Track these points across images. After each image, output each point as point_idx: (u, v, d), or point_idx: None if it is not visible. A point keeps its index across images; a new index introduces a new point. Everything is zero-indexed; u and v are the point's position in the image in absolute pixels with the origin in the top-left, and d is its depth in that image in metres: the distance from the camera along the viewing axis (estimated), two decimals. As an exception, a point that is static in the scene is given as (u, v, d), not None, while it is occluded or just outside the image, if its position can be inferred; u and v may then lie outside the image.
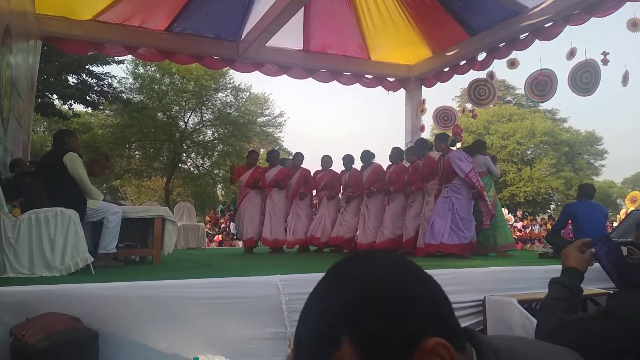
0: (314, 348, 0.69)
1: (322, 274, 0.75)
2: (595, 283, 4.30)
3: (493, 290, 4.14)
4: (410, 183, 7.32)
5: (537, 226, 15.85)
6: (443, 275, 4.05)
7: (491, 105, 9.39)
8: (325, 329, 0.68)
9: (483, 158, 7.25)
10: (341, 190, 8.31)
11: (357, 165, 8.24)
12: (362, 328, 0.66)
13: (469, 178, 6.38)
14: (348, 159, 8.22)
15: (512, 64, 7.86)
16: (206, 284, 3.32)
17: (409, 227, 7.26)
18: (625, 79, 6.55)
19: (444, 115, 9.65)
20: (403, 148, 9.68)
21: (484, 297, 4.00)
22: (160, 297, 3.13)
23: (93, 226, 4.87)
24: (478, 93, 8.73)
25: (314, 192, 8.54)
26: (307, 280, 3.54)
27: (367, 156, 8.10)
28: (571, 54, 6.89)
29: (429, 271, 0.74)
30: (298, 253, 8.04)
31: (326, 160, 8.44)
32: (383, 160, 8.27)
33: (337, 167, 8.43)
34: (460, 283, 4.06)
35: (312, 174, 8.40)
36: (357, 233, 8.02)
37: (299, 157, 8.54)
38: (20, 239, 3.90)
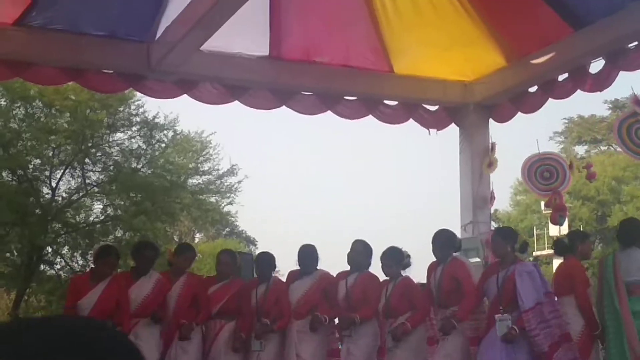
0: None
1: None
2: None
3: None
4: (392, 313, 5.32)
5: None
6: None
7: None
8: None
9: None
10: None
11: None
12: None
13: (528, 317, 4.67)
14: (266, 263, 5.61)
15: None
16: None
17: None
18: None
19: (543, 171, 6.44)
20: (459, 231, 6.53)
21: None
22: None
23: None
24: (637, 136, 5.47)
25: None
26: None
27: (309, 257, 5.53)
28: None
29: None
30: None
31: (226, 261, 5.55)
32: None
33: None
34: None
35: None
36: None
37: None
38: None
